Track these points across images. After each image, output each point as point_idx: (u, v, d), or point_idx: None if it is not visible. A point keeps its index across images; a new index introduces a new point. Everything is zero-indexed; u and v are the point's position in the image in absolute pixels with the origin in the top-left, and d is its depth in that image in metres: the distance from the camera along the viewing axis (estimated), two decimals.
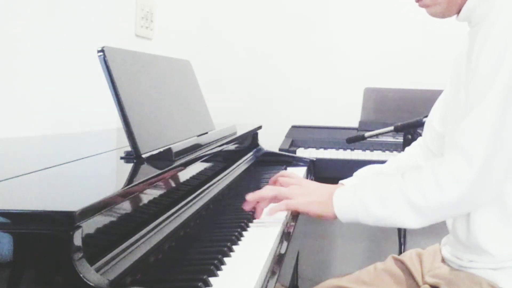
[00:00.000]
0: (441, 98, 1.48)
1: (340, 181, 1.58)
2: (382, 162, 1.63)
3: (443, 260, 1.35)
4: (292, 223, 1.42)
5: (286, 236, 1.31)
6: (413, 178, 1.19)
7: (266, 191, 1.35)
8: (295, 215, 1.45)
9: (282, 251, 1.21)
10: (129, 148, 1.25)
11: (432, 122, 1.49)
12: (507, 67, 1.09)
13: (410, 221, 1.19)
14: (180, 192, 1.30)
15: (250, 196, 1.34)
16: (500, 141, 1.10)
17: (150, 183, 1.11)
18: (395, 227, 2.25)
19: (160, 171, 1.16)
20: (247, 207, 1.34)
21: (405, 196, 1.18)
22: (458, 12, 1.25)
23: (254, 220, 1.36)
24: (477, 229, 1.21)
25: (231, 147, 1.88)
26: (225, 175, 1.66)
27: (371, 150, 2.66)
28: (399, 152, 2.52)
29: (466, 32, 1.28)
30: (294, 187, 1.37)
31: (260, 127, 2.30)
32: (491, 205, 1.19)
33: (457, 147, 1.14)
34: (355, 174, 1.59)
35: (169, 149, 1.30)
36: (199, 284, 0.91)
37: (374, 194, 1.22)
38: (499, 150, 1.11)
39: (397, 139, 2.54)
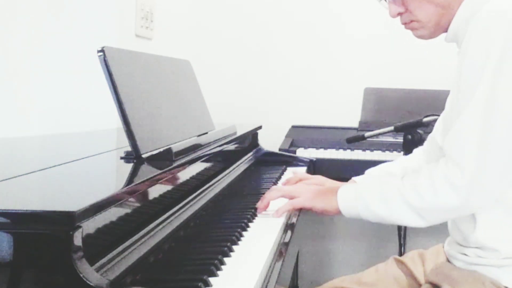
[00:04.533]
0: (443, 115, 1.50)
1: (353, 178, 1.58)
2: (382, 162, 1.62)
3: (448, 260, 1.35)
4: (294, 219, 1.42)
5: (285, 238, 1.31)
6: (411, 181, 1.22)
7: (272, 194, 1.42)
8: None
9: (283, 252, 1.21)
10: (129, 148, 1.25)
11: (434, 134, 1.50)
12: (486, 79, 1.12)
13: (412, 221, 1.22)
14: (180, 192, 1.30)
15: (261, 204, 1.41)
16: (488, 147, 1.13)
17: (150, 183, 1.11)
18: (397, 226, 2.26)
19: (160, 171, 1.16)
20: (260, 211, 1.41)
21: (402, 197, 1.21)
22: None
23: (254, 220, 1.36)
24: (483, 230, 1.22)
25: (231, 147, 1.88)
26: (225, 175, 1.66)
27: (371, 150, 2.65)
28: (399, 152, 2.52)
29: (456, 52, 1.29)
30: (299, 185, 1.39)
31: (260, 127, 2.30)
32: (496, 208, 1.20)
33: (448, 155, 1.17)
34: (366, 171, 1.60)
35: (169, 149, 1.30)
36: (199, 284, 0.91)
37: (374, 192, 1.26)
38: (488, 155, 1.13)
39: (397, 139, 2.53)
